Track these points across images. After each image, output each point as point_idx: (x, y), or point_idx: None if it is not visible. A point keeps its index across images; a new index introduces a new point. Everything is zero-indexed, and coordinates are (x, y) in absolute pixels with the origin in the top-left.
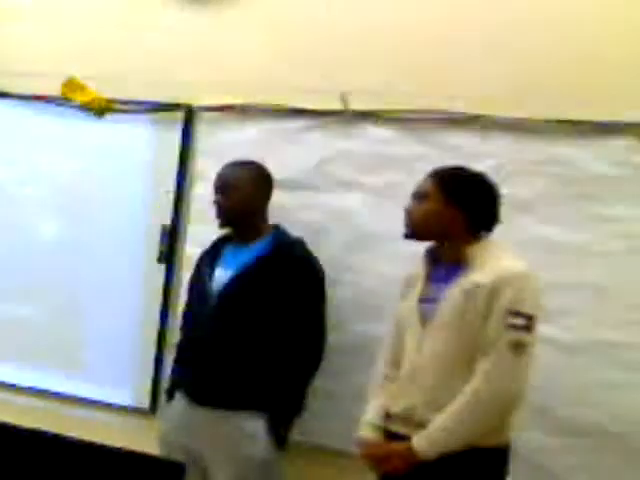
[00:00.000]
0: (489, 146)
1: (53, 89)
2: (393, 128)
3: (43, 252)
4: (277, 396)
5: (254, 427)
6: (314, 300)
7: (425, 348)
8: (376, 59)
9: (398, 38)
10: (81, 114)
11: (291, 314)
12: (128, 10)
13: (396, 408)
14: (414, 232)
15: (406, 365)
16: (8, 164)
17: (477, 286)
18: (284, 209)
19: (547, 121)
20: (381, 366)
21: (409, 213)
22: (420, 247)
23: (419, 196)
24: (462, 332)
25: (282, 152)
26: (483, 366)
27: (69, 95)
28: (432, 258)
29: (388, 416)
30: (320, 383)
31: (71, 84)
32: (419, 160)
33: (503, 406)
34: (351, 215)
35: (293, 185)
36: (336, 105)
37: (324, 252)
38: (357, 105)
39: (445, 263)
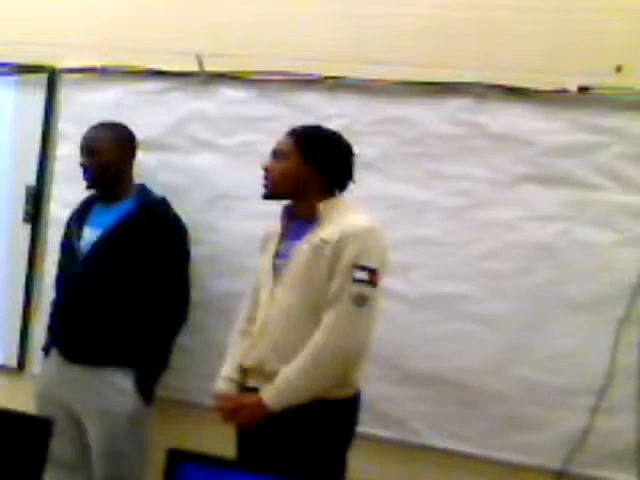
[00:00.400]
0: (338, 107)
1: None
2: (247, 89)
3: None
4: (144, 352)
5: (123, 383)
6: (178, 257)
7: (275, 302)
8: (228, 21)
9: (250, 1)
10: None
11: (156, 271)
12: None
13: (248, 361)
14: (273, 191)
15: (258, 319)
16: None
17: (324, 242)
18: (145, 169)
19: (392, 82)
20: (238, 322)
21: (267, 171)
22: (277, 206)
23: (278, 155)
24: (309, 286)
25: (142, 113)
26: (326, 319)
27: None
28: (288, 215)
29: (242, 370)
30: (180, 339)
31: None
32: (272, 120)
33: (346, 358)
34: (209, 175)
35: (153, 146)
36: (193, 67)
37: (183, 211)
38: (212, 67)
39: (299, 220)
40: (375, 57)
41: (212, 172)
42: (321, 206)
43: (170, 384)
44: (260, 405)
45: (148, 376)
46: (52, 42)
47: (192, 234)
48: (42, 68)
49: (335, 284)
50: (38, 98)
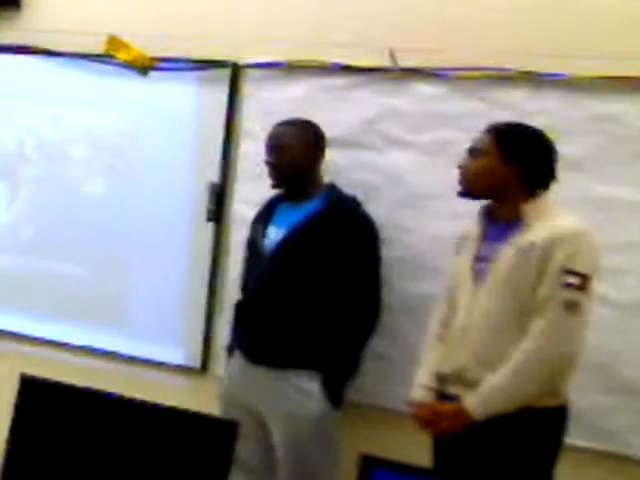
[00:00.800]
0: (540, 103)
1: (97, 47)
2: (442, 85)
3: (90, 211)
4: (333, 355)
5: (310, 386)
6: (368, 257)
7: (477, 307)
8: (424, 14)
9: None
10: (126, 72)
11: (345, 271)
12: None
13: (447, 368)
14: (469, 189)
15: (457, 324)
16: (53, 122)
17: (532, 245)
18: (335, 167)
19: (599, 77)
20: (433, 326)
21: (464, 169)
22: (473, 206)
23: (475, 152)
24: (515, 291)
25: (329, 110)
26: (537, 325)
27: (113, 53)
28: (487, 216)
29: (440, 377)
30: (371, 342)
31: (114, 42)
32: (468, 117)
33: (557, 366)
34: (401, 174)
35: (342, 143)
36: (384, 62)
37: (374, 211)
38: (406, 62)
39: (500, 221)
40: (580, 50)
41: (405, 170)
42: (526, 207)
43: (362, 388)
44: (462, 414)
45: (336, 379)
46: (235, 37)
47: (384, 234)
48: (224, 63)
49: (544, 289)
50: (220, 94)
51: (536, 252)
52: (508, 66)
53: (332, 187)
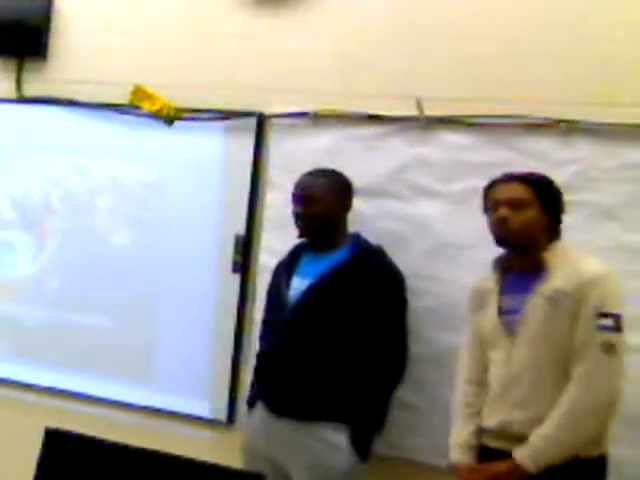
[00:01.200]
0: (572, 152)
1: (122, 97)
2: (471, 134)
3: (116, 262)
4: (360, 407)
5: (336, 438)
6: (395, 309)
7: (515, 360)
8: (452, 63)
9: (474, 40)
10: (151, 122)
11: (372, 323)
12: (198, 17)
13: (490, 423)
14: (513, 240)
15: (496, 379)
16: (79, 173)
17: (561, 292)
18: (361, 217)
19: (633, 126)
20: (463, 384)
21: (507, 221)
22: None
23: (516, 203)
24: (551, 340)
25: (356, 160)
26: (578, 371)
27: (138, 103)
28: (502, 267)
29: (481, 430)
30: (399, 394)
31: (139, 92)
32: (498, 166)
33: (603, 409)
34: (429, 223)
35: (369, 193)
36: (411, 111)
37: (402, 261)
38: (433, 111)
39: (516, 271)
40: (614, 99)
41: (433, 220)
42: (546, 255)
43: (389, 441)
44: (517, 469)
45: (364, 432)
46: (260, 87)
47: (411, 284)
48: (250, 113)
49: (580, 334)
50: (246, 144)
51: (567, 299)
52: (537, 114)
53: (358, 237)
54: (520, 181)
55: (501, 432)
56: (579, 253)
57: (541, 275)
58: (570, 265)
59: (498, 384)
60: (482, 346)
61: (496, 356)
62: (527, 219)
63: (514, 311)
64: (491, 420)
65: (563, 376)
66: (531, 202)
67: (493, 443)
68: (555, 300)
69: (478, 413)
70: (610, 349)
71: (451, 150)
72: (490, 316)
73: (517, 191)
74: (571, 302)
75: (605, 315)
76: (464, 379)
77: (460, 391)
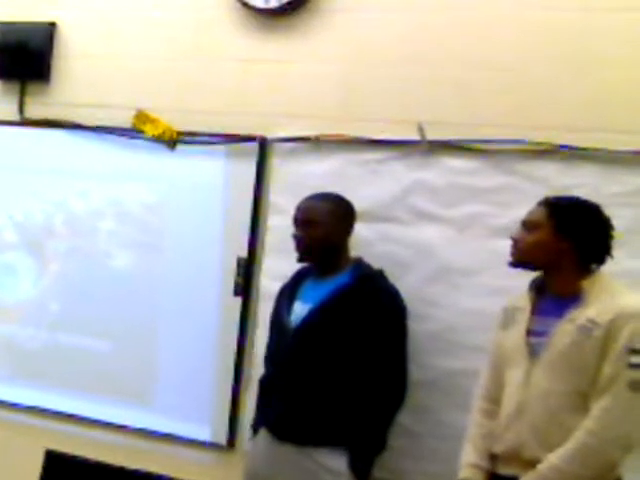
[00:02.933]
0: (575, 177)
1: (125, 121)
2: (473, 159)
3: (117, 285)
4: (359, 432)
5: (336, 463)
6: (396, 334)
7: (534, 383)
8: (454, 89)
9: (476, 66)
10: (153, 146)
11: (372, 348)
12: (200, 42)
13: (501, 446)
14: (521, 261)
15: (511, 400)
16: (81, 196)
17: (593, 323)
18: (363, 241)
19: (634, 152)
20: (480, 401)
21: (517, 242)
22: (505, 281)
23: (529, 225)
24: (575, 368)
25: (357, 184)
26: (600, 405)
27: (140, 127)
28: (537, 289)
29: (492, 456)
30: (400, 419)
31: (142, 116)
32: (501, 191)
33: (620, 448)
34: (431, 248)
35: (372, 217)
36: (414, 136)
37: (403, 285)
38: (436, 136)
39: (552, 295)
40: (617, 125)
41: (435, 244)
42: (585, 283)
43: (389, 466)
44: None
45: (364, 457)
46: (263, 111)
47: (413, 309)
48: (252, 137)
49: (608, 368)
50: (248, 168)
51: (599, 331)
52: (540, 140)
53: (359, 261)
54: (542, 204)
55: (511, 456)
56: (620, 286)
57: (576, 302)
58: (607, 296)
59: (512, 405)
60: (502, 365)
61: (514, 376)
62: (533, 240)
63: (541, 333)
64: (502, 443)
65: (582, 406)
66: (543, 224)
67: (503, 470)
68: (586, 329)
69: (491, 434)
70: (637, 387)
71: (453, 175)
72: (515, 334)
73: (534, 213)
74: (602, 334)
75: (636, 352)
76: (481, 396)
77: (476, 410)
